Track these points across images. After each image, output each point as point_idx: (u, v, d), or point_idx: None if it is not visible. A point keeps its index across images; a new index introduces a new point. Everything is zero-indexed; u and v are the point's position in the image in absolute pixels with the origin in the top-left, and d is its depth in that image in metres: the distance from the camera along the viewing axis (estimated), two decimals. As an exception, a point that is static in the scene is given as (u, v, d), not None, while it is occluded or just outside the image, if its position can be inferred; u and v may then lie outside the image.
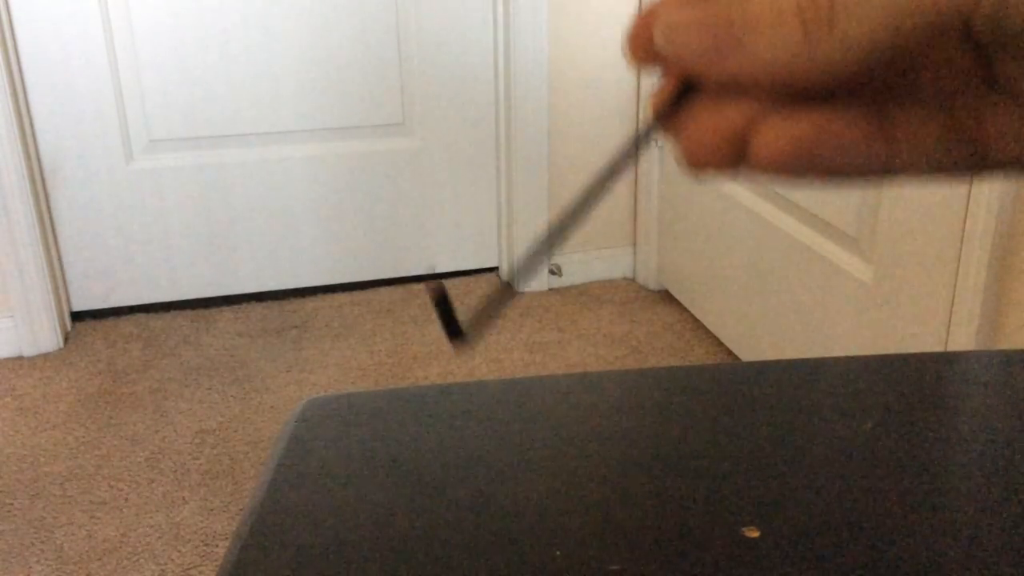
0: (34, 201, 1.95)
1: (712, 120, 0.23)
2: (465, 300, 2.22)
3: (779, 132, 0.22)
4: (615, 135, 2.24)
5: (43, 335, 2.01)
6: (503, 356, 1.97)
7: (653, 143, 0.25)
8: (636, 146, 0.24)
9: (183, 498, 1.56)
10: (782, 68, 0.21)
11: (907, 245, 1.39)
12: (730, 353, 1.96)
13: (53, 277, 2.04)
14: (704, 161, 0.23)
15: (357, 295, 2.25)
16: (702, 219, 2.01)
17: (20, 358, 2.00)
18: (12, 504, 1.55)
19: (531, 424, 0.50)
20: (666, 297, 2.23)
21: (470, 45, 2.16)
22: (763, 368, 0.57)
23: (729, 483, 0.45)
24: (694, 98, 0.23)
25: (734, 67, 0.22)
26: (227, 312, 2.18)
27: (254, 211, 2.16)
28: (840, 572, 0.39)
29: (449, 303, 0.27)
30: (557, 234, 0.25)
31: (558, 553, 0.41)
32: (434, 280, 0.27)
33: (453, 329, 0.26)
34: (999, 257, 1.24)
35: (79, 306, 2.14)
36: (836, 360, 0.56)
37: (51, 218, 2.06)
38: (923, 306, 1.37)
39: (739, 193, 1.86)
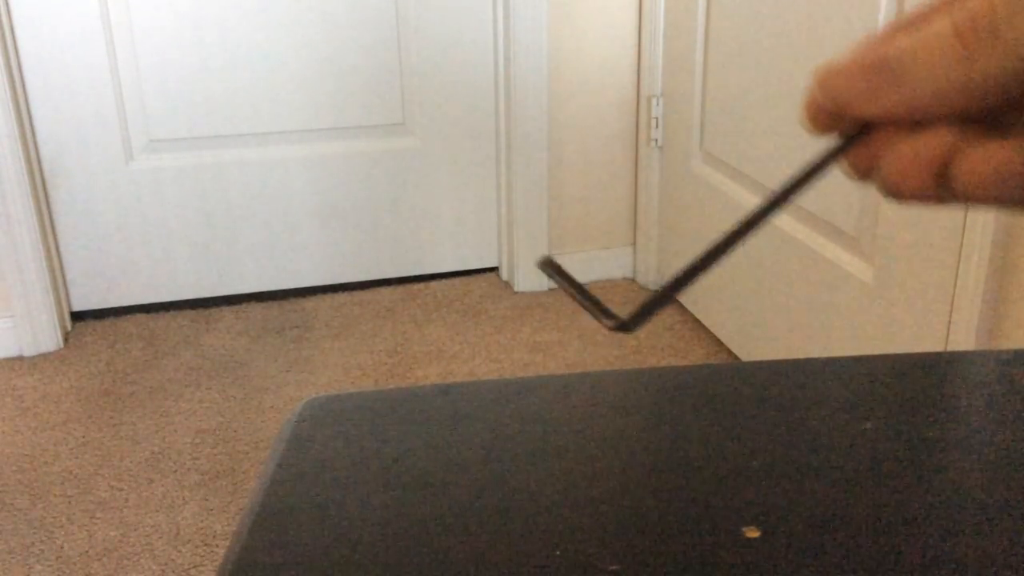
0: (34, 201, 1.95)
1: (912, 151, 0.23)
2: (465, 300, 2.22)
3: (982, 159, 0.22)
4: (615, 135, 2.24)
5: (43, 335, 2.01)
6: (503, 356, 1.97)
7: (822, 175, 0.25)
8: (804, 180, 0.24)
9: (183, 498, 1.56)
10: (949, 91, 0.21)
11: (907, 245, 1.39)
12: (730, 353, 1.96)
13: (53, 277, 2.04)
14: (907, 192, 0.23)
15: (357, 295, 2.25)
16: (702, 219, 2.01)
17: (20, 358, 2.00)
18: (12, 504, 1.55)
19: (531, 424, 0.50)
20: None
21: (470, 45, 2.16)
22: (763, 368, 0.57)
23: (729, 483, 0.45)
24: (875, 134, 0.23)
25: (898, 101, 0.22)
26: (227, 312, 2.18)
27: (254, 211, 2.16)
28: (840, 572, 0.39)
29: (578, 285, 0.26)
30: (709, 261, 0.25)
31: (558, 553, 0.41)
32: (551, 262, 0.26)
33: (608, 315, 0.25)
34: (999, 257, 1.24)
35: (79, 306, 2.14)
36: (836, 360, 0.56)
37: (51, 218, 2.06)
38: (923, 306, 1.37)
39: (739, 193, 1.86)
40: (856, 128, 0.24)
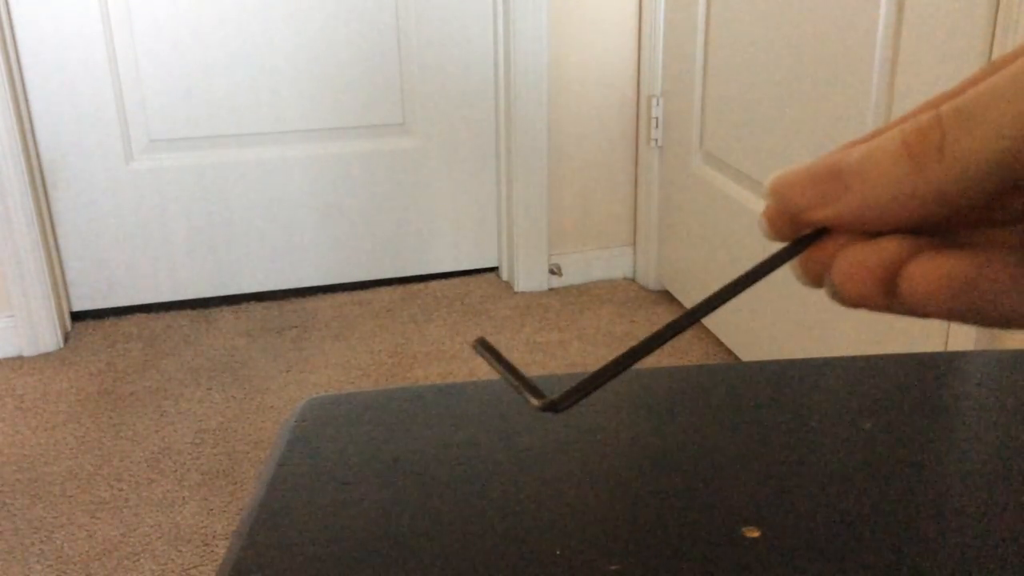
0: (34, 201, 1.95)
1: (860, 256, 0.23)
2: (465, 300, 2.22)
3: (931, 269, 0.22)
4: (615, 135, 2.24)
5: (43, 335, 2.01)
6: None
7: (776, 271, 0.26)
8: (759, 275, 0.24)
9: (183, 498, 1.56)
10: (896, 201, 0.22)
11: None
12: (730, 353, 1.96)
13: (53, 277, 2.04)
14: (853, 296, 0.23)
15: (357, 295, 2.25)
16: (702, 219, 2.01)
17: (20, 358, 2.00)
18: (12, 504, 1.55)
19: (531, 424, 0.50)
20: (666, 297, 2.23)
21: (470, 45, 2.16)
22: (763, 368, 0.57)
23: (729, 483, 0.45)
24: (829, 240, 0.24)
25: (846, 210, 0.23)
26: (227, 312, 2.18)
27: (254, 211, 2.16)
28: (840, 572, 0.39)
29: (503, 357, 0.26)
30: (644, 351, 0.25)
31: (558, 553, 0.41)
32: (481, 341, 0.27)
33: (535, 392, 0.25)
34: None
35: (79, 306, 2.14)
36: (836, 360, 0.56)
37: (51, 218, 2.06)
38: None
39: (739, 193, 1.86)
40: (810, 234, 0.24)
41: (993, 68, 0.21)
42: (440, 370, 1.93)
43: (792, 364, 0.56)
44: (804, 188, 0.23)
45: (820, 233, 0.24)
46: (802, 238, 0.24)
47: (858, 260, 0.23)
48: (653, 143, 2.18)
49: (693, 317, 0.25)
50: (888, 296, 0.23)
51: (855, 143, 0.23)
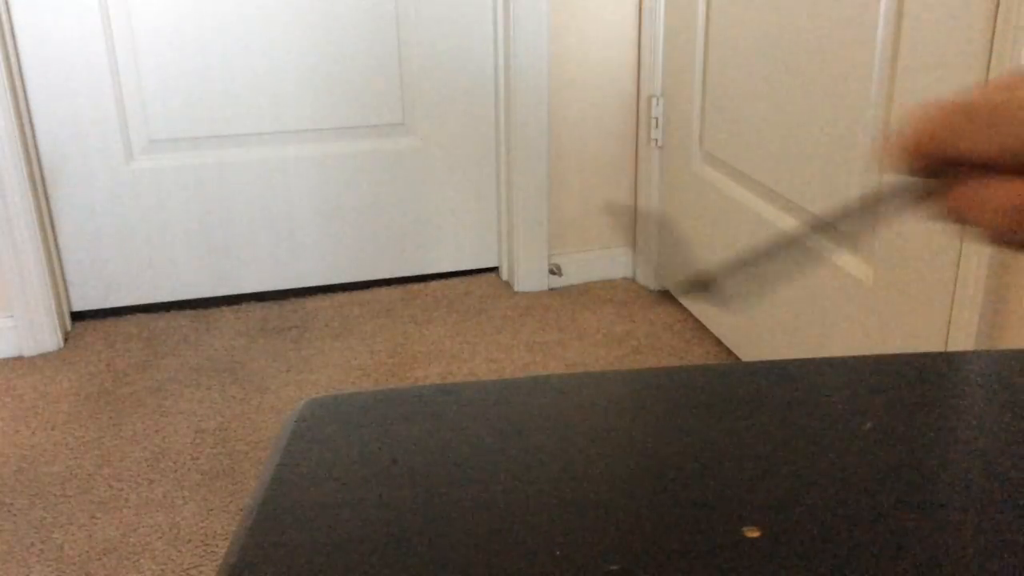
0: (34, 201, 1.95)
1: (1004, 193, 0.24)
2: (465, 300, 2.22)
3: None
4: (615, 135, 2.24)
5: (43, 335, 2.01)
6: (503, 356, 1.97)
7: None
8: (887, 201, 0.25)
9: (183, 498, 1.56)
10: None
11: (907, 245, 1.39)
12: (730, 353, 1.96)
13: (53, 277, 2.04)
14: (993, 229, 0.24)
15: (357, 295, 2.25)
16: (702, 219, 2.01)
17: (20, 358, 2.00)
18: (12, 504, 1.55)
19: (531, 424, 0.50)
20: (666, 297, 2.23)
21: (470, 45, 2.16)
22: (763, 368, 0.57)
23: (729, 483, 0.45)
24: (964, 180, 0.25)
25: (993, 144, 0.24)
26: (227, 312, 2.18)
27: (254, 211, 2.16)
28: (840, 572, 0.39)
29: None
30: (767, 254, 0.26)
31: (558, 553, 0.41)
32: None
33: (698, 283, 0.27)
34: (999, 257, 1.24)
35: (79, 306, 2.14)
36: (836, 360, 0.56)
37: (51, 218, 2.06)
38: (923, 306, 1.37)
39: (739, 193, 1.86)
40: (940, 170, 0.25)
41: None
42: (440, 370, 1.93)
43: (792, 364, 0.56)
44: (955, 120, 0.24)
45: (949, 172, 0.25)
46: (933, 177, 0.25)
47: (1000, 198, 0.24)
48: (653, 143, 2.18)
49: (837, 219, 0.26)
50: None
51: (991, 87, 0.25)
